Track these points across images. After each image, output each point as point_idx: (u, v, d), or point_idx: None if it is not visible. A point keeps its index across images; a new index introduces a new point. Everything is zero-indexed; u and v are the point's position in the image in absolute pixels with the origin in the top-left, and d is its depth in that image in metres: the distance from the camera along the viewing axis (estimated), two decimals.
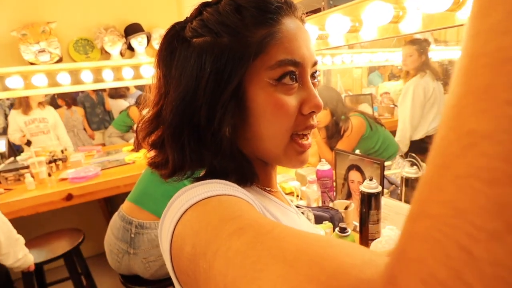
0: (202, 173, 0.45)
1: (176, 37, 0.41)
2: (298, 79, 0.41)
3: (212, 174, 0.43)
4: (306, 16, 0.47)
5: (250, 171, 0.43)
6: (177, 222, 0.33)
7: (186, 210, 0.33)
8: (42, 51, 2.22)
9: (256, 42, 0.38)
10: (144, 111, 0.45)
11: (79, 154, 2.35)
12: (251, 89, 0.40)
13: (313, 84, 0.44)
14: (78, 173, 1.98)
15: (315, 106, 0.42)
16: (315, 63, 0.44)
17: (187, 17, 0.44)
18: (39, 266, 1.61)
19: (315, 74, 0.45)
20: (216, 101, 0.39)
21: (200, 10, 0.42)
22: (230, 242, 0.26)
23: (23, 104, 2.37)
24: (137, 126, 0.45)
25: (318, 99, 0.42)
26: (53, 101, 2.61)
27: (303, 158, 0.44)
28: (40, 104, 2.43)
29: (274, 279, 0.22)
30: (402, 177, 1.07)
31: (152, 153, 0.45)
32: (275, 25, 0.39)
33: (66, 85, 2.32)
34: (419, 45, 1.78)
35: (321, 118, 1.67)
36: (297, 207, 1.03)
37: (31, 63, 2.24)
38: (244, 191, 0.38)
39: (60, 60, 2.31)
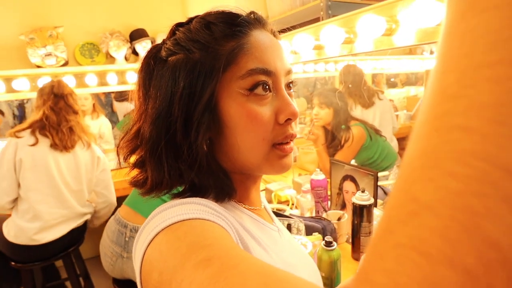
0: (181, 189, 0.44)
1: (153, 58, 0.43)
2: (271, 88, 0.41)
3: (191, 189, 0.42)
4: (303, 26, 0.47)
5: (228, 186, 0.43)
6: (148, 246, 0.33)
7: (158, 233, 0.33)
8: (49, 54, 2.26)
9: (225, 54, 0.39)
10: (124, 130, 0.46)
11: None
12: (224, 101, 0.40)
13: (289, 94, 0.44)
14: None
15: (290, 113, 0.41)
16: (288, 72, 0.44)
17: (163, 39, 0.45)
18: (38, 267, 1.63)
19: (290, 85, 0.45)
20: (191, 114, 0.39)
21: (173, 31, 0.44)
22: (195, 274, 0.26)
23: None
24: (118, 145, 0.45)
25: (293, 106, 0.42)
26: None
27: (285, 163, 0.43)
28: (92, 113, 2.49)
29: None
30: None
31: (135, 172, 0.46)
32: (244, 36, 0.40)
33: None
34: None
35: (323, 116, 1.66)
36: (289, 217, 1.03)
37: (38, 66, 2.29)
38: (221, 211, 0.38)
39: (66, 64, 2.36)
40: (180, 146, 0.40)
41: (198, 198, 0.39)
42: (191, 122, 0.39)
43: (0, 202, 1.48)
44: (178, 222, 0.33)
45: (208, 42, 0.40)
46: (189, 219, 0.33)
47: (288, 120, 0.42)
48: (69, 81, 2.33)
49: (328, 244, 0.80)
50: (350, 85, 1.81)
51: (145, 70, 0.43)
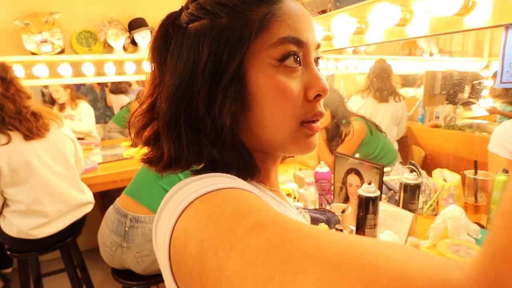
0: (200, 166, 0.41)
1: (171, 26, 0.39)
2: (301, 61, 0.39)
3: (212, 167, 0.39)
4: (314, 16, 0.45)
5: (252, 164, 0.40)
6: (179, 215, 0.29)
7: (191, 202, 0.29)
8: (44, 41, 2.21)
9: (257, 20, 0.36)
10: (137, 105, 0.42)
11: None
12: (252, 71, 0.37)
13: (318, 69, 0.42)
14: None
15: (321, 89, 0.39)
16: (318, 46, 0.41)
17: (182, 6, 0.42)
18: (34, 256, 1.60)
19: (318, 60, 0.43)
20: (216, 85, 0.36)
21: None
22: (249, 239, 0.22)
23: (56, 103, 2.42)
24: (129, 121, 0.42)
25: (323, 82, 0.39)
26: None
27: (311, 141, 0.41)
28: (71, 103, 2.44)
29: (314, 282, 0.18)
30: (401, 183, 1.05)
31: (146, 150, 0.43)
32: (276, 3, 0.37)
33: (67, 77, 2.31)
34: None
35: (322, 120, 1.66)
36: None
37: (33, 53, 2.23)
38: (253, 187, 0.35)
39: (62, 52, 2.30)
40: (202, 119, 0.37)
41: (223, 174, 0.36)
42: (215, 93, 0.36)
43: None
44: (213, 191, 0.30)
45: (237, 6, 0.36)
46: (225, 188, 0.30)
47: (318, 97, 0.39)
48: (66, 70, 2.28)
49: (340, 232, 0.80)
50: (374, 78, 1.83)
51: (161, 38, 0.39)
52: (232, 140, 0.38)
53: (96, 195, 2.41)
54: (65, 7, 2.28)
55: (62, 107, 2.45)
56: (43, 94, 2.51)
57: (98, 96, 2.75)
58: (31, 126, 1.36)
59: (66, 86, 2.41)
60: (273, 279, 0.19)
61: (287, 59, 0.37)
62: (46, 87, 2.49)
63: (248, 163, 0.39)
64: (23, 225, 1.42)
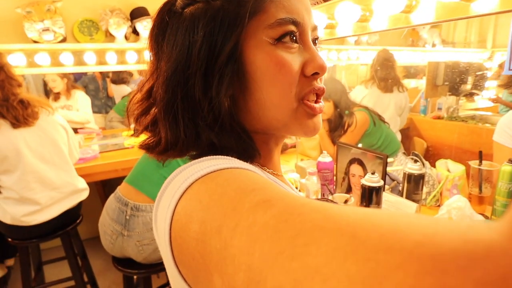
0: (199, 151, 0.41)
1: (167, 13, 0.39)
2: (299, 40, 0.39)
3: (211, 151, 0.38)
4: (316, 4, 0.45)
5: (251, 147, 0.39)
6: (179, 198, 0.29)
7: (191, 184, 0.29)
8: (46, 29, 2.19)
9: (252, 0, 0.35)
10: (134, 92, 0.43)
11: (78, 136, 2.34)
12: (249, 50, 0.36)
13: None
14: None
15: (318, 67, 0.38)
16: (315, 28, 0.41)
17: None
18: (35, 244, 1.61)
19: (316, 41, 0.42)
20: (212, 66, 0.36)
21: None
22: (255, 215, 0.22)
23: (51, 93, 2.40)
24: (128, 108, 0.42)
25: (322, 60, 0.39)
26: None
27: (314, 123, 0.40)
28: (66, 93, 2.43)
29: (329, 252, 0.16)
30: (404, 173, 1.05)
31: (144, 136, 0.43)
32: None
33: (68, 66, 2.30)
34: None
35: (324, 110, 1.65)
36: None
37: (35, 41, 2.21)
38: (255, 168, 0.34)
39: (64, 40, 2.29)
40: (199, 102, 0.36)
41: (223, 156, 0.35)
42: (212, 75, 0.36)
43: None
44: (214, 171, 0.29)
45: None
46: (227, 168, 0.30)
47: (315, 74, 0.39)
48: (67, 59, 2.27)
49: None
50: (378, 68, 1.83)
51: (158, 26, 0.39)
52: (230, 123, 0.37)
53: (97, 184, 2.44)
54: None
55: (56, 97, 2.43)
56: (45, 83, 2.50)
57: (100, 86, 2.74)
58: (17, 114, 1.34)
59: (63, 76, 2.38)
60: (283, 252, 0.18)
61: (284, 38, 0.37)
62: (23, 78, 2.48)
63: (248, 145, 0.39)
64: (15, 212, 1.43)
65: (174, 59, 0.36)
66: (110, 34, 2.40)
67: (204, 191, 0.27)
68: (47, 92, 2.48)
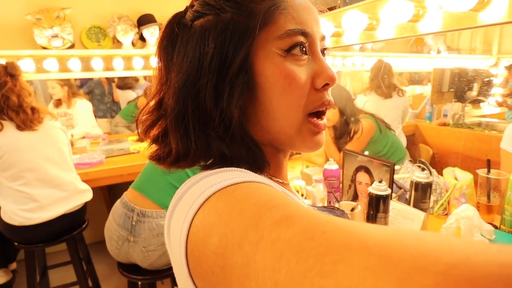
0: (209, 162, 0.41)
1: (177, 25, 0.39)
2: (308, 51, 0.39)
3: (221, 161, 0.39)
4: (322, 13, 0.45)
5: (261, 158, 0.40)
6: (196, 210, 0.28)
7: (208, 197, 0.29)
8: (55, 36, 2.23)
9: (262, 12, 0.36)
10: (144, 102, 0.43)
11: (84, 140, 2.35)
12: (259, 62, 0.37)
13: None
14: (83, 159, 1.98)
15: (329, 78, 0.39)
16: (323, 38, 0.41)
17: (187, 6, 0.42)
18: (41, 248, 1.62)
19: (325, 51, 0.43)
20: (223, 77, 0.36)
21: None
22: (278, 231, 0.21)
23: (53, 99, 2.45)
24: (137, 118, 0.42)
25: (331, 70, 0.39)
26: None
27: (317, 140, 0.41)
28: (67, 101, 2.46)
29: (360, 272, 0.16)
30: (412, 181, 1.04)
31: (154, 147, 0.43)
32: None
33: (76, 71, 2.33)
34: None
35: (330, 117, 1.65)
36: None
37: (44, 48, 2.25)
38: (269, 180, 0.35)
39: (72, 46, 2.32)
40: (210, 113, 0.37)
41: (235, 168, 0.35)
42: (223, 86, 0.36)
43: None
44: (231, 185, 0.29)
45: (242, 0, 0.37)
46: (244, 182, 0.30)
47: (326, 86, 0.39)
48: (75, 64, 2.30)
49: None
50: (373, 78, 1.87)
51: (167, 37, 0.40)
52: (241, 134, 0.38)
53: (102, 189, 2.45)
54: (76, 3, 2.30)
55: (58, 103, 2.45)
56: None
57: (105, 91, 2.77)
58: (25, 119, 1.46)
59: (63, 84, 2.40)
60: (311, 270, 0.18)
61: (294, 49, 0.37)
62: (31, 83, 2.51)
63: (258, 156, 0.39)
64: (15, 210, 1.46)
65: (185, 71, 0.37)
66: (118, 41, 2.44)
67: (223, 205, 0.27)
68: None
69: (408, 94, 2.79)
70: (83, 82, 2.73)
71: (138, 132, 0.43)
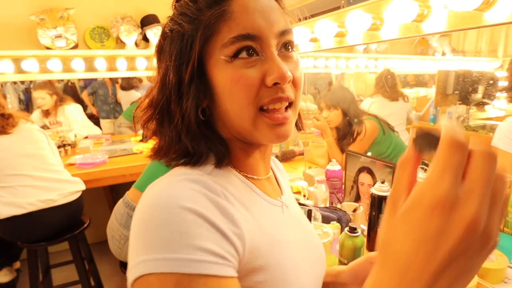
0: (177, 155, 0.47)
1: (162, 35, 0.45)
2: (259, 52, 0.41)
3: (186, 155, 0.44)
4: (324, 13, 0.46)
5: (221, 153, 0.44)
6: (135, 279, 0.33)
7: (145, 274, 0.32)
8: (59, 36, 2.24)
9: (207, 23, 0.40)
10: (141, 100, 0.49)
11: (88, 140, 2.36)
12: (211, 69, 0.42)
13: (286, 55, 0.43)
14: (86, 159, 1.99)
15: (278, 77, 0.40)
16: (283, 32, 0.42)
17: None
18: (44, 247, 1.63)
19: (288, 46, 0.43)
20: (180, 84, 0.42)
21: (174, 6, 0.46)
22: None
23: (41, 110, 2.45)
24: (134, 115, 0.48)
25: (282, 69, 0.40)
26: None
27: (278, 132, 0.42)
28: (55, 109, 2.46)
29: None
30: None
31: (153, 142, 0.48)
32: (225, 3, 0.40)
33: (80, 72, 2.34)
34: None
35: (333, 118, 1.65)
36: (303, 205, 1.00)
37: (47, 48, 2.26)
38: (204, 184, 0.38)
39: (75, 47, 2.33)
40: (174, 113, 0.43)
41: (188, 174, 0.40)
42: (180, 91, 0.42)
43: None
44: (163, 273, 0.32)
45: (193, 14, 0.41)
46: (174, 272, 0.32)
47: (277, 84, 0.40)
48: (78, 65, 2.31)
49: (352, 230, 0.78)
50: (380, 84, 1.90)
51: (158, 44, 0.46)
52: (202, 132, 0.43)
53: (105, 188, 2.45)
54: (80, 3, 2.31)
55: (47, 113, 2.45)
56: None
57: (109, 92, 2.77)
58: None
59: (52, 93, 2.40)
60: None
61: (240, 53, 0.40)
62: (61, 80, 2.53)
63: (218, 151, 0.44)
64: (8, 202, 1.47)
65: (161, 76, 0.44)
66: (121, 41, 2.44)
67: None
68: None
69: (412, 96, 2.78)
70: (87, 83, 2.75)
71: (135, 128, 0.50)
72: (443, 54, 2.71)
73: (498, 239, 0.23)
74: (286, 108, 0.43)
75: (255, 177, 0.48)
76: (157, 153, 0.46)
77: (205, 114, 0.43)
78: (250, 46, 0.40)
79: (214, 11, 0.40)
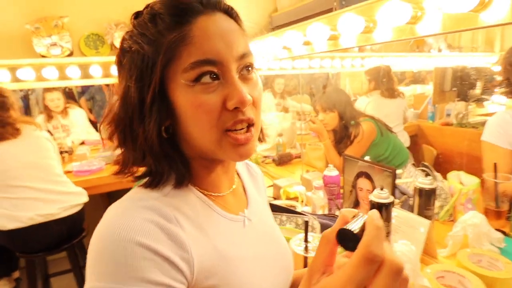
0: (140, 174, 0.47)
1: (120, 49, 0.45)
2: (220, 76, 0.41)
3: (150, 173, 0.45)
4: (317, 16, 0.46)
5: (182, 173, 0.44)
6: None
7: None
8: (54, 44, 2.22)
9: (166, 48, 0.39)
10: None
11: (84, 147, 2.35)
12: (172, 92, 0.41)
13: (245, 77, 0.43)
14: (82, 167, 1.97)
15: (238, 102, 0.41)
16: (242, 56, 0.42)
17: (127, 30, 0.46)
18: (42, 257, 1.62)
19: (249, 68, 0.44)
20: (142, 106, 0.41)
21: (132, 22, 0.45)
22: None
23: (45, 113, 2.47)
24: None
25: (242, 94, 0.41)
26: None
27: (241, 151, 0.44)
28: (62, 112, 2.49)
29: None
30: (415, 188, 1.01)
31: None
32: (186, 27, 0.40)
33: (75, 79, 2.33)
34: None
35: (329, 121, 1.63)
36: (304, 214, 0.98)
37: (43, 56, 2.25)
38: (156, 210, 0.40)
39: (70, 54, 2.32)
40: (137, 133, 0.42)
41: (144, 200, 0.42)
42: (142, 112, 0.42)
43: None
44: None
45: (153, 35, 0.40)
46: None
47: (237, 108, 0.42)
48: (74, 72, 2.30)
49: None
50: (375, 79, 1.86)
51: (117, 58, 0.46)
52: (164, 151, 0.43)
53: (102, 195, 2.44)
54: (74, 11, 2.30)
55: (50, 118, 2.46)
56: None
57: (106, 97, 2.77)
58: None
59: (63, 95, 2.44)
60: None
61: (202, 78, 0.40)
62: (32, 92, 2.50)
63: (179, 171, 0.44)
64: (4, 214, 1.47)
65: (121, 94, 0.43)
66: (115, 47, 2.43)
67: None
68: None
69: (409, 94, 2.76)
70: (84, 89, 2.74)
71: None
72: (439, 50, 2.69)
73: None
74: (248, 127, 0.44)
75: (215, 194, 0.49)
76: (121, 172, 0.47)
77: (168, 131, 0.43)
78: (211, 71, 0.40)
79: (176, 35, 0.39)
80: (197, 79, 0.40)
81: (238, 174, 0.59)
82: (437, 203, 1.11)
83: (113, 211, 0.41)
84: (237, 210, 0.52)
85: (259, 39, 1.51)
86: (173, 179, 0.44)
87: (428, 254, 0.93)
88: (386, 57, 2.67)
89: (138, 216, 0.39)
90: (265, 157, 2.09)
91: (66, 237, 1.62)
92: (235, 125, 0.42)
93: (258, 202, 0.58)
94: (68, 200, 1.62)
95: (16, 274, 2.11)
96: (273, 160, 1.98)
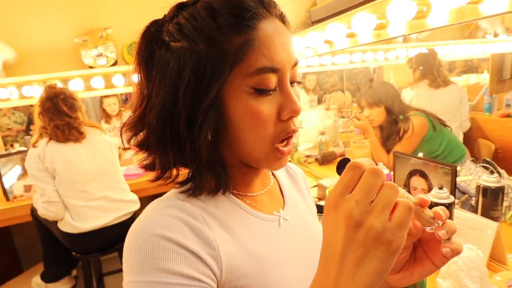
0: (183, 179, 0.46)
1: (154, 39, 0.41)
2: (277, 84, 0.40)
3: (192, 179, 0.44)
4: (360, 6, 0.42)
5: (223, 182, 0.44)
6: None
7: None
8: (100, 55, 2.36)
9: (233, 51, 0.37)
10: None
11: (130, 152, 2.46)
12: (229, 98, 0.39)
13: (293, 87, 0.43)
14: (129, 171, 2.07)
15: (292, 111, 0.41)
16: (295, 64, 0.42)
17: (164, 15, 0.43)
18: (96, 257, 1.73)
19: (295, 78, 0.44)
20: (195, 110, 0.39)
21: (176, 12, 0.41)
22: None
23: (103, 116, 2.65)
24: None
25: (296, 103, 0.41)
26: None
27: (281, 162, 0.45)
28: (118, 115, 2.65)
29: None
30: (479, 186, 0.91)
31: (141, 155, 0.46)
32: (251, 31, 0.38)
33: (120, 87, 2.45)
34: None
35: (375, 117, 1.54)
36: None
37: (90, 67, 2.40)
38: (191, 216, 0.40)
39: (115, 63, 2.45)
40: (184, 139, 0.40)
41: (173, 199, 0.42)
42: (195, 117, 0.39)
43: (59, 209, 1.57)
44: None
45: (214, 34, 0.38)
46: None
47: (291, 117, 0.42)
48: (119, 80, 2.42)
49: None
50: (421, 67, 1.71)
51: (145, 49, 0.42)
52: (208, 159, 0.41)
53: (149, 198, 2.54)
54: (117, 22, 2.42)
55: (108, 119, 2.62)
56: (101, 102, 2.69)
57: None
58: (68, 133, 1.59)
59: (117, 99, 2.59)
60: None
61: (262, 86, 0.39)
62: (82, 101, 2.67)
63: (221, 180, 0.43)
64: (69, 220, 1.58)
65: (162, 96, 0.39)
66: None
67: None
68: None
69: (462, 85, 2.54)
70: (128, 97, 2.88)
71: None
72: (496, 35, 2.44)
73: (396, 237, 0.28)
74: (289, 138, 0.44)
75: (248, 194, 0.48)
76: (161, 175, 0.45)
77: (212, 136, 0.41)
78: (271, 79, 0.39)
79: (243, 39, 0.38)
80: (257, 87, 0.39)
81: (273, 174, 0.57)
82: (504, 203, 0.99)
83: (144, 212, 0.42)
84: (271, 210, 0.50)
85: (299, 35, 1.47)
86: (211, 185, 0.43)
87: (496, 259, 0.84)
88: (435, 46, 2.49)
89: (163, 213, 0.39)
90: (307, 156, 2.04)
91: (118, 239, 1.71)
92: (287, 135, 0.43)
93: (298, 202, 0.56)
94: (124, 208, 1.71)
95: (74, 272, 2.27)
96: (316, 160, 1.92)
